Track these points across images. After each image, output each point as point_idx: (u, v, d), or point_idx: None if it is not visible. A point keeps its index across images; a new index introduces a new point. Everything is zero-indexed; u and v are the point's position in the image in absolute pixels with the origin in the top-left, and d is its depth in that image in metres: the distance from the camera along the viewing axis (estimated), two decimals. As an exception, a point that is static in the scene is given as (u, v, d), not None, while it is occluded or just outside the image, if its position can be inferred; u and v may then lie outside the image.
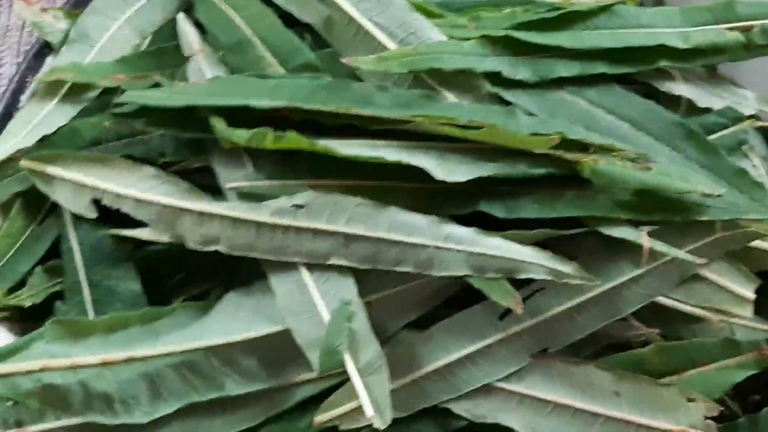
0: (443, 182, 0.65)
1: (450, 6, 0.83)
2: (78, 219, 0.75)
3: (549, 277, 0.64)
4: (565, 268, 0.64)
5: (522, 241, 0.65)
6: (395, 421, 0.62)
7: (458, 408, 0.68)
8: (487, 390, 0.68)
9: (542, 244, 0.66)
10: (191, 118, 0.72)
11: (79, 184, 0.73)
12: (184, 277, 0.75)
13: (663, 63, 0.77)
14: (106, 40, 0.84)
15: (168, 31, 0.85)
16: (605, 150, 0.67)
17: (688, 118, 0.76)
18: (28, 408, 0.67)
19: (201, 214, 0.69)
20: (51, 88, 0.82)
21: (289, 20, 0.81)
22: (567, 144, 0.67)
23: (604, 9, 0.78)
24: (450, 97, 0.74)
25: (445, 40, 0.76)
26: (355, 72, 0.76)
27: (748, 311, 0.71)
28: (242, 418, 0.68)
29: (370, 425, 0.64)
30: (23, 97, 0.84)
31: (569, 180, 0.68)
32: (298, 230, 0.67)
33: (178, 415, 0.67)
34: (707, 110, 0.79)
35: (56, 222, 0.78)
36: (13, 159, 0.78)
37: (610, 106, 0.75)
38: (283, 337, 0.66)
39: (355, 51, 0.77)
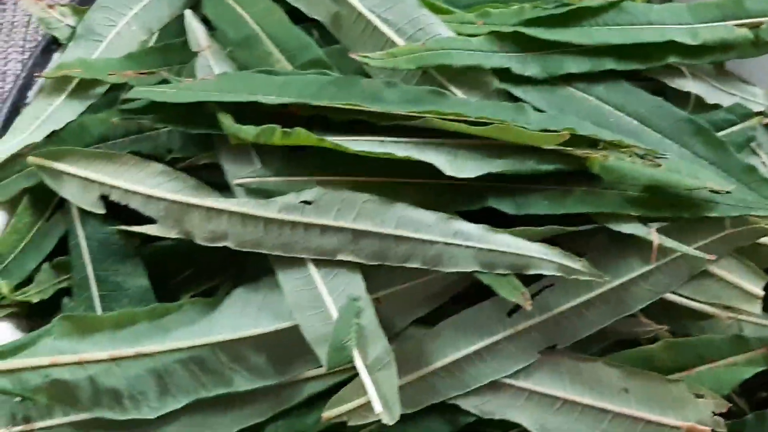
0: (452, 178, 0.66)
1: (458, 2, 0.83)
2: (86, 215, 0.75)
3: (558, 273, 0.64)
4: (574, 264, 0.64)
5: (531, 238, 0.65)
6: (403, 417, 0.62)
7: (466, 404, 0.68)
8: (495, 386, 0.68)
9: (551, 241, 0.65)
10: (199, 114, 0.72)
11: (87, 180, 0.74)
12: (192, 273, 0.76)
13: (671, 59, 0.77)
14: (114, 36, 0.84)
15: (175, 28, 0.86)
16: (615, 146, 0.67)
17: (696, 114, 0.76)
18: (36, 404, 0.67)
19: (209, 210, 0.69)
20: (58, 85, 0.82)
21: (297, 16, 0.81)
22: (576, 140, 0.67)
23: (612, 5, 0.78)
24: (458, 93, 0.74)
25: (454, 37, 0.76)
26: (363, 68, 0.76)
27: (756, 308, 0.71)
28: (250, 413, 0.68)
29: (378, 421, 0.64)
30: (30, 93, 0.84)
31: (578, 176, 0.68)
32: (306, 226, 0.67)
33: (186, 411, 0.67)
34: (716, 107, 0.80)
35: (64, 218, 0.78)
36: (20, 155, 0.78)
37: (618, 102, 0.75)
38: (291, 333, 0.66)
39: (363, 47, 0.77)
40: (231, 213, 0.68)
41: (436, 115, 0.67)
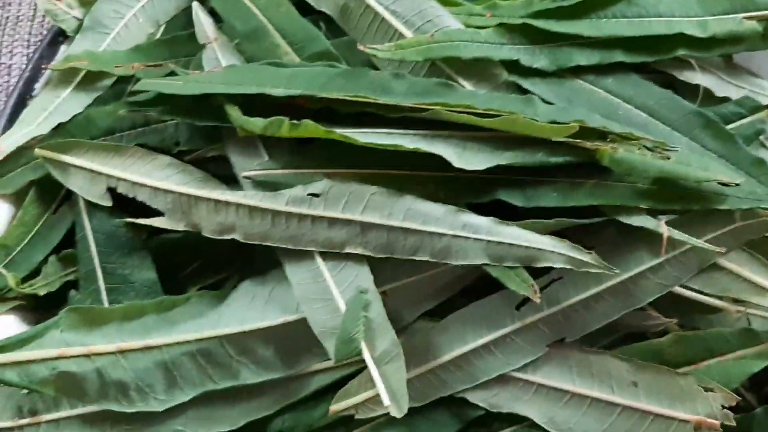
0: (461, 171, 0.65)
1: (467, -6, 0.82)
2: (93, 207, 0.75)
3: (567, 266, 0.64)
4: (584, 256, 0.63)
5: (540, 230, 0.65)
6: (411, 411, 0.62)
7: (475, 397, 0.68)
8: (503, 380, 0.68)
9: (560, 234, 0.65)
10: (206, 106, 0.73)
11: (94, 172, 0.74)
12: (200, 266, 0.76)
13: (681, 52, 0.77)
14: (121, 28, 0.84)
15: (182, 20, 0.86)
16: (624, 138, 0.67)
17: (705, 107, 0.76)
18: (43, 396, 0.67)
19: (217, 202, 0.69)
20: (65, 77, 0.82)
21: (304, 8, 0.81)
22: (586, 132, 0.66)
23: (621, -3, 0.78)
24: (467, 85, 0.74)
25: (462, 28, 0.76)
26: (371, 60, 0.76)
27: (766, 301, 0.70)
28: (257, 406, 0.68)
29: (386, 414, 0.64)
30: (37, 86, 0.84)
31: (588, 169, 0.67)
32: (314, 219, 0.67)
33: (194, 404, 0.67)
34: (725, 100, 0.79)
35: (71, 210, 0.78)
36: (27, 147, 0.78)
37: (627, 95, 0.75)
38: (298, 326, 0.67)
39: (371, 39, 0.78)
40: (238, 205, 0.68)
41: (445, 107, 0.67)
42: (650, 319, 0.69)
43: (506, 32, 0.76)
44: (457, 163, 0.65)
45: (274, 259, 0.69)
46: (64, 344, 0.65)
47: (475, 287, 0.69)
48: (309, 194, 0.67)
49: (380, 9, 0.77)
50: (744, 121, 0.77)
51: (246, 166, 0.71)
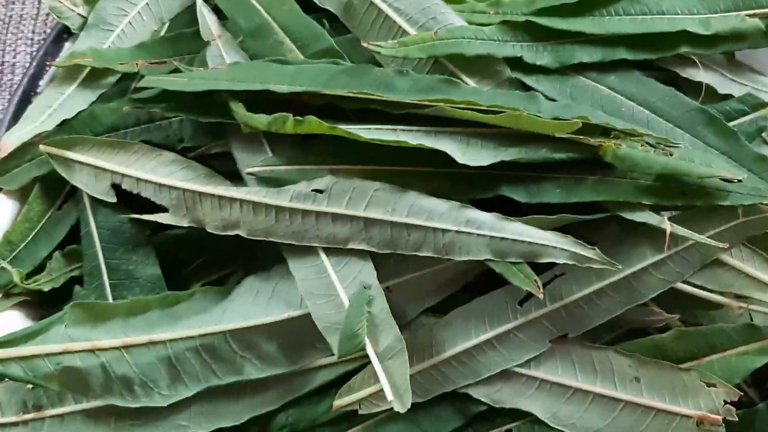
0: (465, 167, 0.66)
1: (470, -8, 0.83)
2: (97, 204, 0.75)
3: (570, 262, 0.64)
4: (587, 252, 0.64)
5: (543, 226, 0.65)
6: (414, 406, 0.62)
7: (478, 393, 0.68)
8: (506, 375, 0.68)
9: (563, 230, 0.65)
10: (210, 103, 0.73)
11: (98, 168, 0.74)
12: (204, 261, 0.76)
13: (683, 49, 0.77)
14: (125, 25, 0.85)
15: (186, 18, 0.86)
16: (627, 135, 0.67)
17: (707, 104, 0.76)
18: (48, 391, 0.67)
19: (221, 198, 0.69)
20: (70, 74, 0.82)
21: (308, 6, 0.81)
22: (589, 129, 0.67)
23: (624, -5, 0.78)
24: (470, 82, 0.75)
25: (466, 26, 0.76)
26: (374, 58, 0.76)
27: (769, 297, 0.71)
28: (261, 402, 0.68)
29: (389, 409, 0.65)
30: (42, 83, 0.84)
31: (591, 165, 0.67)
32: (318, 215, 0.67)
33: (197, 399, 0.67)
34: (727, 97, 0.79)
35: (75, 207, 0.78)
36: (32, 143, 0.78)
37: (630, 92, 0.75)
38: (302, 322, 0.67)
39: (374, 36, 0.78)
40: (242, 201, 0.68)
41: (448, 104, 0.67)
42: (653, 315, 0.70)
43: (509, 29, 0.77)
44: (460, 159, 0.66)
45: (278, 254, 0.69)
46: (69, 339, 0.65)
47: (478, 283, 0.69)
48: (313, 190, 0.67)
49: (384, 6, 0.77)
50: (746, 118, 0.77)
51: (250, 163, 0.71)
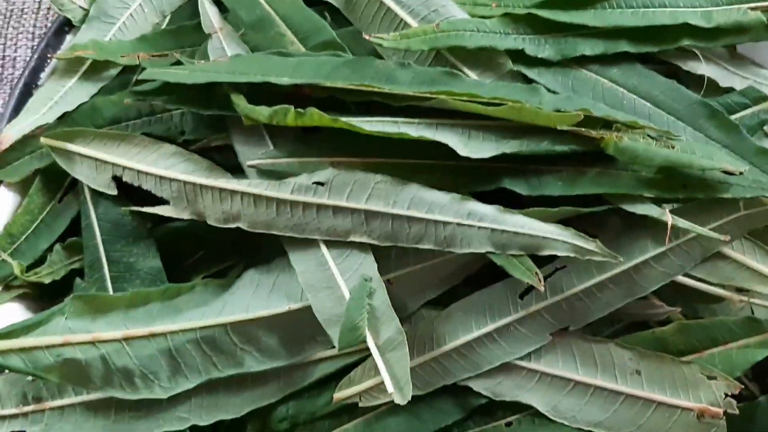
0: (466, 159, 0.66)
1: (472, -16, 0.83)
2: (98, 196, 0.75)
3: (572, 254, 0.64)
4: (588, 245, 0.63)
5: (545, 219, 0.65)
6: (415, 399, 0.62)
7: (478, 386, 0.68)
8: (507, 368, 0.68)
9: (564, 222, 0.65)
10: (212, 96, 0.73)
11: (99, 161, 0.74)
12: (204, 254, 0.76)
13: (685, 42, 0.77)
14: (126, 18, 0.85)
15: (187, 10, 0.86)
16: (629, 127, 0.67)
17: (709, 97, 0.76)
18: (48, 383, 0.67)
19: (222, 191, 0.69)
20: (71, 66, 0.82)
21: (309, -2, 0.81)
22: (590, 121, 0.66)
23: (627, -13, 0.78)
24: (472, 75, 0.75)
25: (468, 18, 0.76)
26: (376, 50, 0.76)
27: (770, 290, 0.71)
28: (261, 394, 0.68)
29: (389, 402, 0.65)
30: (43, 75, 0.84)
31: (592, 157, 0.67)
32: (319, 207, 0.67)
33: (198, 391, 0.67)
34: (729, 90, 0.79)
35: (76, 199, 0.78)
36: (33, 136, 0.78)
37: (632, 85, 0.75)
38: (302, 314, 0.67)
39: (376, 29, 0.78)
40: (243, 194, 0.68)
41: (450, 96, 0.67)
42: (654, 308, 0.70)
43: (511, 22, 0.76)
44: (462, 151, 0.65)
45: (279, 247, 0.69)
46: (69, 331, 0.65)
47: (478, 276, 0.69)
48: (314, 183, 0.67)
49: (386, -1, 0.78)
50: (748, 111, 0.77)
51: (251, 155, 0.71)
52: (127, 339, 0.66)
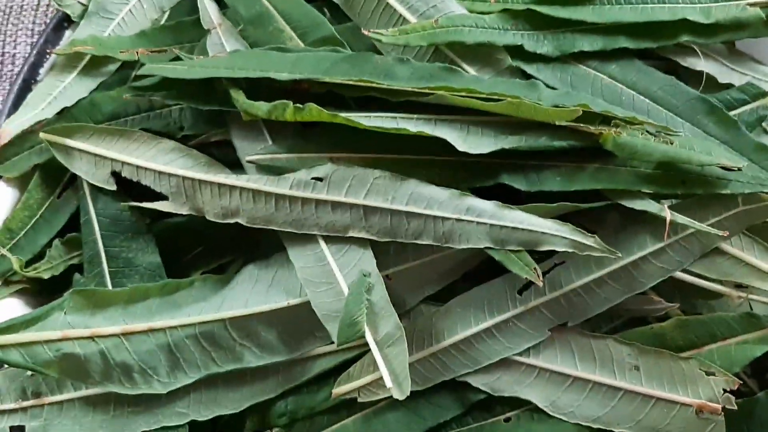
0: (465, 155, 0.66)
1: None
2: (97, 191, 0.75)
3: (570, 249, 0.64)
4: (587, 240, 0.63)
5: (543, 214, 0.65)
6: (413, 394, 0.62)
7: (477, 381, 0.68)
8: (506, 363, 0.68)
9: (563, 218, 0.65)
10: (211, 91, 0.73)
11: (98, 156, 0.74)
12: (203, 250, 0.76)
13: (684, 38, 0.77)
14: (125, 14, 0.85)
15: (186, 6, 0.86)
16: (627, 123, 0.67)
17: (708, 93, 0.76)
18: (47, 378, 0.67)
19: (220, 186, 0.69)
20: (70, 61, 0.82)
21: (308, -6, 0.81)
22: (589, 117, 0.67)
23: (625, -17, 0.78)
24: (471, 70, 0.75)
25: (466, 14, 0.76)
26: (375, 46, 0.77)
27: (769, 285, 0.71)
28: (260, 390, 0.68)
29: (388, 397, 0.65)
30: (42, 71, 0.84)
31: (591, 153, 0.67)
32: (318, 203, 0.67)
33: (197, 387, 0.67)
34: (727, 86, 0.79)
35: (75, 194, 0.78)
36: (32, 131, 0.78)
37: (631, 81, 0.75)
38: (301, 309, 0.67)
39: (375, 24, 0.78)
40: (242, 189, 0.68)
41: (449, 92, 0.67)
42: (652, 304, 0.70)
43: (510, 18, 0.76)
44: (461, 147, 0.65)
45: (278, 242, 0.69)
46: (68, 326, 0.65)
47: (477, 271, 0.69)
48: (313, 178, 0.67)
49: (384, -6, 0.78)
50: (747, 107, 0.77)
51: (250, 151, 0.71)
52: (126, 334, 0.66)
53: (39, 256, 0.78)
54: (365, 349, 0.66)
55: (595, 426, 0.66)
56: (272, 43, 0.77)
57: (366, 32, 0.74)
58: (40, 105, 0.79)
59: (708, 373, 0.66)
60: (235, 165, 0.72)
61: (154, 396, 0.66)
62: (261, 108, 0.68)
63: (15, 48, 1.14)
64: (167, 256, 0.74)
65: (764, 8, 0.78)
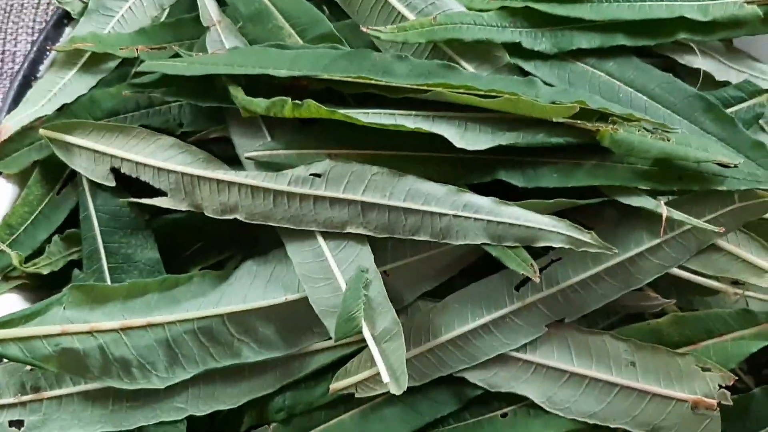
0: (462, 151, 0.66)
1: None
2: (96, 187, 0.75)
3: (567, 245, 0.64)
4: (583, 236, 0.64)
5: (540, 211, 0.65)
6: (411, 390, 0.63)
7: (474, 377, 0.68)
8: (502, 359, 0.68)
9: (560, 214, 0.65)
10: (210, 88, 0.73)
11: (97, 152, 0.74)
12: (202, 246, 0.76)
13: (682, 36, 0.77)
14: (125, 11, 0.85)
15: (185, 3, 0.86)
16: (625, 119, 0.67)
17: (705, 91, 0.76)
18: (46, 373, 0.67)
19: (219, 182, 0.69)
20: (70, 58, 0.82)
21: (307, -9, 0.81)
22: (586, 113, 0.67)
23: (623, -19, 0.78)
24: (469, 67, 0.75)
25: (465, 11, 0.77)
26: (373, 43, 0.77)
27: (765, 282, 0.70)
28: (258, 385, 0.69)
29: (385, 393, 0.65)
30: (42, 67, 0.84)
31: (588, 149, 0.68)
32: (316, 199, 0.67)
33: (195, 382, 0.68)
34: (725, 84, 0.80)
35: (74, 191, 0.79)
36: (32, 127, 0.79)
37: (628, 78, 0.76)
38: (299, 305, 0.67)
39: (373, 21, 0.78)
40: (241, 186, 0.68)
41: (447, 88, 0.67)
42: (649, 300, 0.70)
43: (508, 15, 0.77)
44: (458, 143, 0.66)
45: (276, 238, 0.69)
46: (67, 321, 0.65)
47: (474, 267, 0.70)
48: (311, 174, 0.67)
49: (383, -9, 0.78)
50: (744, 104, 0.78)
51: (249, 147, 0.71)
52: (124, 329, 0.66)
53: (38, 252, 0.78)
54: (363, 345, 0.66)
55: (591, 421, 0.66)
56: (271, 40, 0.77)
57: (364, 29, 0.74)
58: (40, 101, 0.79)
59: (704, 369, 0.66)
60: (233, 161, 0.72)
61: (152, 391, 0.67)
62: (260, 104, 0.69)
63: (15, 46, 1.15)
64: (166, 251, 0.74)
65: (761, 6, 0.78)
